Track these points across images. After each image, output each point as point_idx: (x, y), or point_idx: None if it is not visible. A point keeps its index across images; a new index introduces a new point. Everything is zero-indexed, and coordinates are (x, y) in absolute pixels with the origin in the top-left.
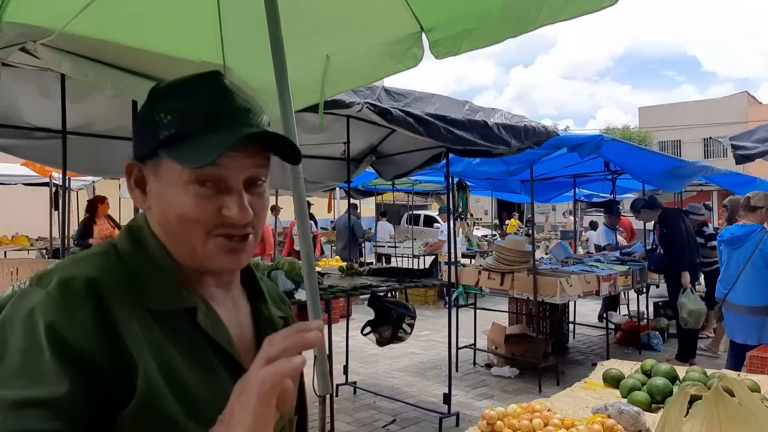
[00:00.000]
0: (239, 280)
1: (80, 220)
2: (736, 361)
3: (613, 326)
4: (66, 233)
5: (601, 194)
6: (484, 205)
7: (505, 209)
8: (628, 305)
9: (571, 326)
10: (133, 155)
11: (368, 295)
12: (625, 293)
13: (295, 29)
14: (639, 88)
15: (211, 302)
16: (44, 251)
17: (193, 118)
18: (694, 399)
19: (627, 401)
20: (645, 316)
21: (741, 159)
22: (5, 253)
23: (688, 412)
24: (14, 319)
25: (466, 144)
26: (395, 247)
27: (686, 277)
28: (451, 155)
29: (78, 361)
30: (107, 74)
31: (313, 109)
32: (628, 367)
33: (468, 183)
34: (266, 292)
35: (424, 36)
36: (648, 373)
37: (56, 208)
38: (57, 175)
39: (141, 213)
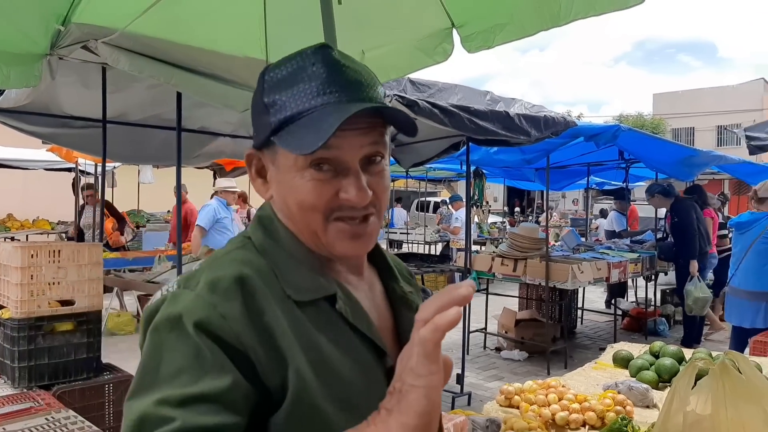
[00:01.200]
0: (367, 260)
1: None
2: (737, 345)
3: (620, 312)
4: (102, 216)
5: (613, 182)
6: (493, 192)
7: (516, 196)
8: (635, 292)
9: (579, 312)
10: (252, 145)
11: None
12: (633, 280)
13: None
14: (655, 73)
15: (347, 287)
16: (64, 235)
17: (301, 99)
18: (701, 375)
19: (636, 380)
20: (652, 302)
21: (755, 150)
22: (27, 236)
23: (696, 385)
24: (168, 322)
25: (488, 134)
26: (407, 233)
27: (694, 265)
28: (472, 144)
29: (236, 356)
30: (160, 70)
31: None
32: (636, 349)
33: (484, 171)
34: (395, 269)
35: (454, 31)
36: (656, 354)
37: (75, 193)
38: (82, 161)
39: (266, 201)
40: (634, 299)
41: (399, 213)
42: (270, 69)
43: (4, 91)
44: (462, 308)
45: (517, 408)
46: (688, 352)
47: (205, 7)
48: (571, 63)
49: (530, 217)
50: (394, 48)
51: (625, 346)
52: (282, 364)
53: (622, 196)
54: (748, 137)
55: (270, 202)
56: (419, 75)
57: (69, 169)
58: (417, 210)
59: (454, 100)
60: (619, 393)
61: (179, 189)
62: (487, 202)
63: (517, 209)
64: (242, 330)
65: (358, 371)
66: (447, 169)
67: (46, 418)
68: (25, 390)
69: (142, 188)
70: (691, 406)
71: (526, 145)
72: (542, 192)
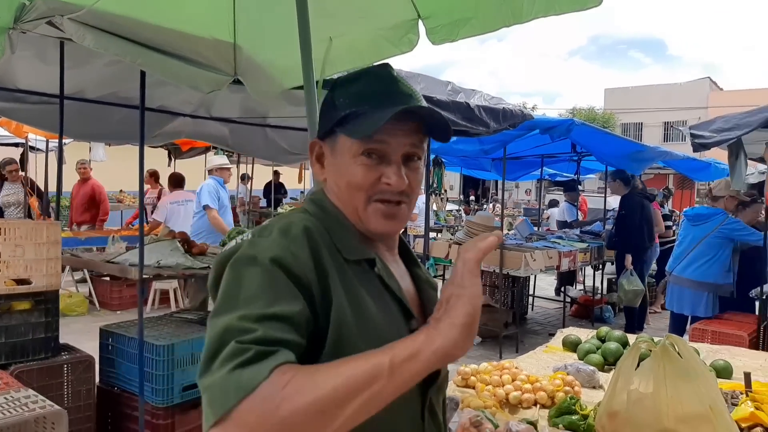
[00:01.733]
0: (398, 249)
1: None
2: (676, 332)
3: (569, 300)
4: (59, 194)
5: (565, 174)
6: (450, 180)
7: (471, 185)
8: (584, 281)
9: (530, 299)
10: (317, 135)
11: None
12: (582, 269)
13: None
14: (607, 68)
15: (383, 259)
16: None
17: (363, 100)
18: (644, 357)
19: (584, 362)
20: (599, 291)
21: (698, 147)
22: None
23: (639, 366)
24: (247, 258)
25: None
26: None
27: (628, 259)
28: None
29: (302, 288)
30: (126, 49)
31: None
32: (585, 334)
33: (443, 159)
34: (417, 260)
35: (420, 23)
36: (603, 339)
37: (23, 169)
38: (32, 137)
39: (318, 187)
40: (582, 287)
41: None
42: (341, 79)
43: None
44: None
45: (473, 388)
46: (632, 337)
47: None
48: (528, 54)
49: (485, 206)
50: (361, 36)
51: (573, 331)
52: (329, 303)
53: (572, 187)
54: (692, 135)
55: (321, 188)
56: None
57: (17, 144)
58: None
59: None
60: (568, 374)
61: (141, 169)
62: (445, 190)
63: (472, 198)
64: (308, 268)
65: (391, 324)
66: None
67: (5, 397)
68: None
69: (93, 166)
70: (634, 385)
71: (484, 136)
72: (497, 182)
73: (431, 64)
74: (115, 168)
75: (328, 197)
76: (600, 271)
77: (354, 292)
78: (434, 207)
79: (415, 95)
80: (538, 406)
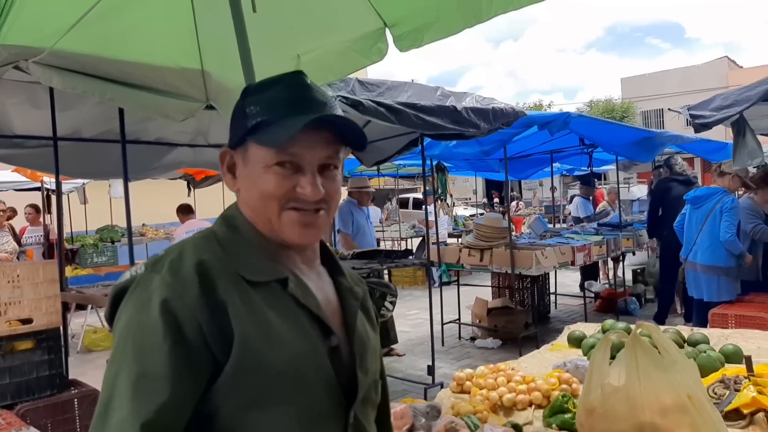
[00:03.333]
0: (320, 259)
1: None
2: (699, 318)
3: (592, 294)
4: (62, 232)
5: (581, 168)
6: (472, 185)
7: (494, 188)
8: (607, 274)
9: (552, 297)
10: (227, 144)
11: None
12: (604, 262)
13: (267, 34)
14: (625, 57)
15: (299, 275)
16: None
17: (275, 107)
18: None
19: (585, 358)
20: (623, 283)
21: (699, 128)
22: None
23: (614, 358)
24: (138, 300)
25: (437, 129)
26: (383, 231)
27: (653, 243)
28: (428, 139)
29: (191, 333)
30: (94, 86)
31: None
32: (592, 329)
33: (448, 165)
34: (344, 270)
35: (387, 31)
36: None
37: (48, 211)
38: (48, 180)
39: (233, 203)
40: (606, 281)
41: (374, 212)
42: (252, 86)
43: None
44: None
45: (469, 393)
46: None
47: (134, 21)
48: (545, 51)
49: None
50: (330, 50)
51: (580, 327)
52: (230, 336)
53: (587, 181)
54: (692, 116)
55: (236, 202)
56: (388, 74)
57: (37, 188)
58: (396, 207)
59: (404, 98)
60: (566, 372)
61: (128, 203)
62: (451, 195)
63: (496, 200)
64: (197, 309)
65: (304, 343)
66: (417, 165)
67: None
68: None
69: (114, 203)
70: (608, 378)
71: (480, 137)
72: (520, 182)
73: (447, 70)
74: (134, 203)
75: (242, 211)
76: (621, 263)
77: (260, 318)
78: (442, 213)
79: (329, 103)
80: (533, 406)
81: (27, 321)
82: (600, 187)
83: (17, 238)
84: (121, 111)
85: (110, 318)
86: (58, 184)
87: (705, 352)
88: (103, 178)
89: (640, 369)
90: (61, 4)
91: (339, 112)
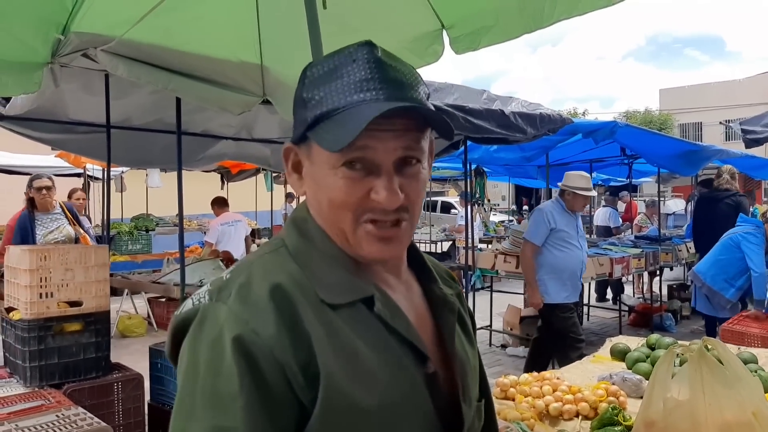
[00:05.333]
0: (407, 262)
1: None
2: (708, 333)
3: (627, 308)
4: (109, 218)
5: (618, 178)
6: (501, 190)
7: (523, 194)
8: (642, 288)
9: (585, 309)
10: (291, 139)
11: None
12: (640, 276)
13: (324, 31)
14: (663, 69)
15: (385, 289)
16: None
17: (339, 96)
18: (684, 362)
19: (631, 372)
20: (659, 298)
21: (750, 143)
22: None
23: (677, 372)
24: (207, 340)
25: (484, 132)
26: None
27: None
28: (469, 142)
29: (267, 376)
30: (158, 76)
31: None
32: (635, 342)
33: (486, 169)
34: (434, 271)
35: (444, 33)
36: (653, 347)
37: (87, 198)
38: (90, 166)
39: (302, 203)
40: (641, 295)
41: None
42: (312, 65)
43: (9, 99)
44: None
45: (513, 400)
46: (685, 344)
47: (198, 14)
48: (583, 58)
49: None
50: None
51: (623, 339)
52: (315, 373)
53: (615, 192)
54: (743, 131)
55: (305, 202)
56: (425, 73)
57: (78, 174)
58: (425, 210)
59: (450, 100)
60: (613, 384)
61: (180, 193)
62: (489, 200)
63: (525, 207)
64: (275, 343)
65: (398, 376)
66: (451, 168)
67: (57, 415)
68: (36, 389)
69: (150, 192)
70: (671, 392)
71: (524, 143)
72: (551, 189)
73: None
74: (171, 193)
75: (312, 216)
76: (658, 277)
77: (347, 350)
78: (478, 218)
79: (408, 81)
80: (580, 417)
81: (76, 303)
82: (635, 199)
83: (78, 220)
84: (178, 102)
85: (173, 354)
86: (109, 171)
87: (756, 371)
88: (148, 166)
89: (705, 384)
90: None
91: (421, 92)
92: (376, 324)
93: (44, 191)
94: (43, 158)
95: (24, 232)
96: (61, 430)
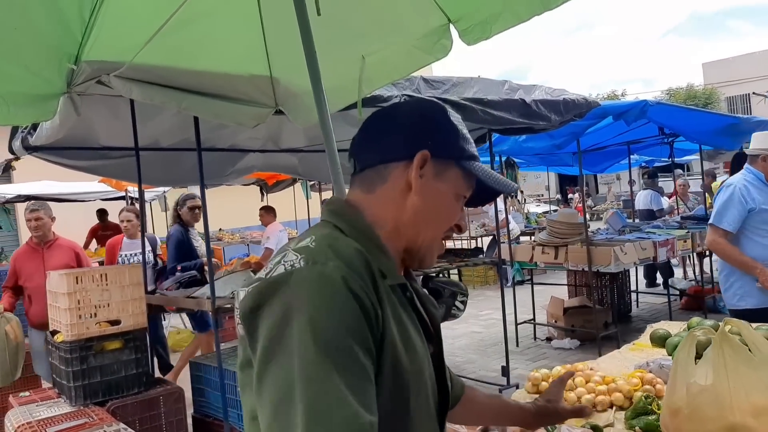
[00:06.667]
0: None
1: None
2: None
3: (677, 292)
4: (144, 237)
5: (662, 159)
6: (544, 181)
7: (568, 183)
8: (693, 269)
9: (633, 295)
10: (425, 148)
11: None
12: (689, 258)
13: (331, 37)
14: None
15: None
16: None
17: (469, 144)
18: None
19: (670, 358)
20: (711, 279)
21: None
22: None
23: (702, 356)
24: (320, 292)
25: (505, 123)
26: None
27: None
28: (497, 134)
29: (372, 327)
30: (170, 96)
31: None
32: (677, 328)
33: (518, 160)
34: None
35: (452, 27)
36: None
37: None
38: (132, 189)
39: (334, 199)
40: (692, 277)
41: None
42: (443, 104)
43: (37, 128)
44: None
45: None
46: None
47: (204, 33)
48: (621, 40)
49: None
50: (394, 50)
51: (664, 325)
52: (383, 335)
53: (653, 174)
54: None
55: (345, 201)
56: (455, 72)
57: (122, 198)
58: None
59: (470, 94)
60: (649, 372)
61: (204, 207)
62: (522, 192)
63: (570, 196)
64: (373, 298)
65: (422, 348)
66: (486, 162)
67: None
68: (81, 407)
69: None
70: (694, 377)
71: (551, 130)
72: (595, 176)
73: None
74: (211, 209)
75: (361, 212)
76: (709, 258)
77: (400, 322)
78: (512, 210)
79: None
80: (614, 408)
81: (115, 322)
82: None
83: (154, 253)
84: (195, 120)
85: (254, 311)
86: (141, 192)
87: None
88: (181, 185)
89: (729, 367)
90: (137, 20)
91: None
92: (408, 306)
93: (197, 210)
94: (89, 185)
95: (183, 246)
96: None
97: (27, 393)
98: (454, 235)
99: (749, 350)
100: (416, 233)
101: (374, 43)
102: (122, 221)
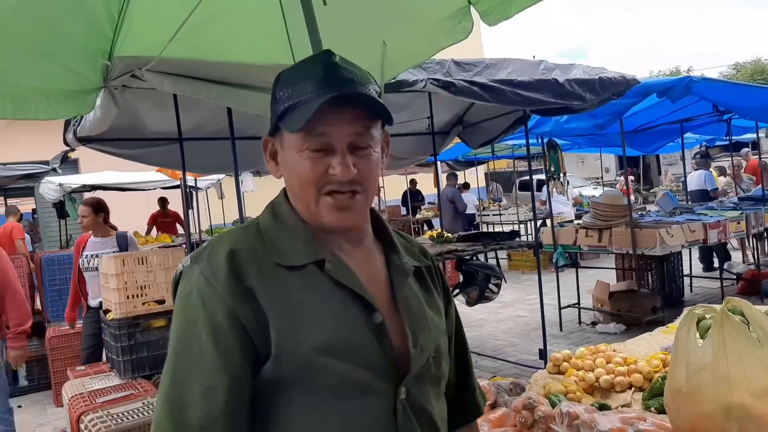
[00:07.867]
0: (372, 236)
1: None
2: None
3: (734, 276)
4: (188, 222)
5: (721, 137)
6: (604, 162)
7: (630, 164)
8: (754, 252)
9: (686, 279)
10: (268, 133)
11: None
12: (748, 240)
13: (351, 24)
14: None
15: (341, 255)
16: (183, 245)
17: (302, 91)
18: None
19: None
20: None
21: None
22: (152, 249)
23: (704, 336)
24: (183, 293)
25: (537, 104)
26: (500, 214)
27: None
28: (537, 116)
29: (220, 320)
30: (199, 87)
31: (389, 88)
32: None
33: (561, 142)
34: (399, 245)
35: (472, 8)
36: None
37: (190, 207)
38: (187, 177)
39: (281, 189)
40: (752, 261)
41: (467, 197)
42: (284, 71)
43: (80, 122)
44: None
45: (565, 374)
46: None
47: (229, 25)
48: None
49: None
50: (414, 34)
51: (701, 308)
52: (264, 321)
53: (705, 154)
54: None
55: (284, 188)
56: (510, 52)
57: (178, 186)
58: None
59: (503, 75)
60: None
61: (239, 195)
62: (565, 173)
63: (631, 178)
64: (226, 293)
65: (341, 322)
66: (532, 144)
67: (143, 403)
68: (130, 380)
69: (246, 196)
70: (693, 356)
71: (591, 110)
72: (657, 157)
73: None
74: (265, 197)
75: (288, 198)
76: (766, 240)
77: (294, 301)
78: (555, 192)
79: (357, 79)
80: (633, 389)
81: (160, 302)
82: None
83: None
84: (228, 109)
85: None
86: (185, 180)
87: None
88: (222, 172)
89: (728, 347)
90: (164, 15)
91: (370, 89)
92: (327, 283)
93: None
94: (148, 174)
95: None
96: (142, 414)
97: (82, 367)
98: (502, 218)
99: (749, 329)
100: (302, 202)
101: (394, 27)
102: (78, 216)
